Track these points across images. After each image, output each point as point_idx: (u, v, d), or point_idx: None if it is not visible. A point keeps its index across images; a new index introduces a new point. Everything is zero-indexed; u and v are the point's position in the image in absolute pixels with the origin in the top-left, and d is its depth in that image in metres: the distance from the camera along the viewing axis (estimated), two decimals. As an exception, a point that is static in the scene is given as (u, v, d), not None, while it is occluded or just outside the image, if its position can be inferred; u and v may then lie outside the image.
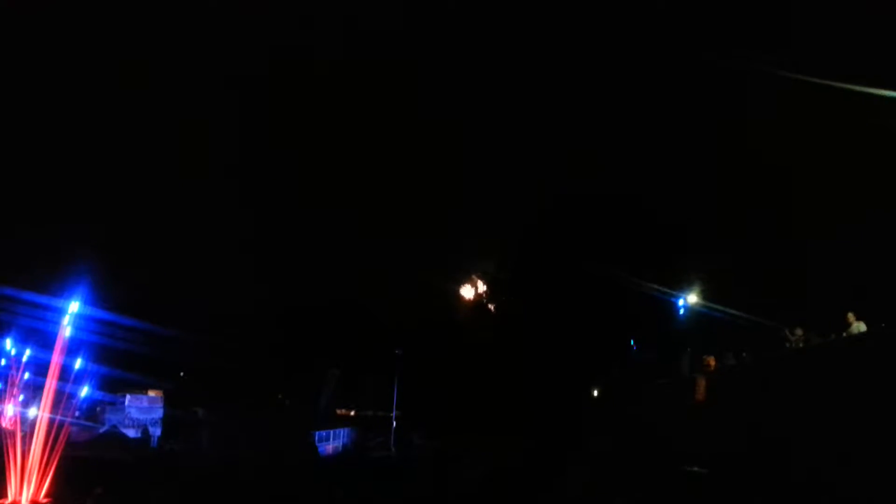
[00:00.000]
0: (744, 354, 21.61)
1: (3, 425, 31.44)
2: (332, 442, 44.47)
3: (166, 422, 43.28)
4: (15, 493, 22.31)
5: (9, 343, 37.90)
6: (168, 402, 44.55)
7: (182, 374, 57.22)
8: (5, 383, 36.56)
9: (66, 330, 24.03)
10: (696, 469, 18.23)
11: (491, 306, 44.78)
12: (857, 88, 19.66)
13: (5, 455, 22.63)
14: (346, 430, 48.16)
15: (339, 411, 57.41)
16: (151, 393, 43.55)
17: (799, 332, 19.28)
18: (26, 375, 36.02)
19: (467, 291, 45.57)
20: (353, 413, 59.32)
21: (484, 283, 46.05)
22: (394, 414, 48.60)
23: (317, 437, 41.67)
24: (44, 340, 30.64)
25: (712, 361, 21.68)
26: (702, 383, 21.98)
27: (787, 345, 18.94)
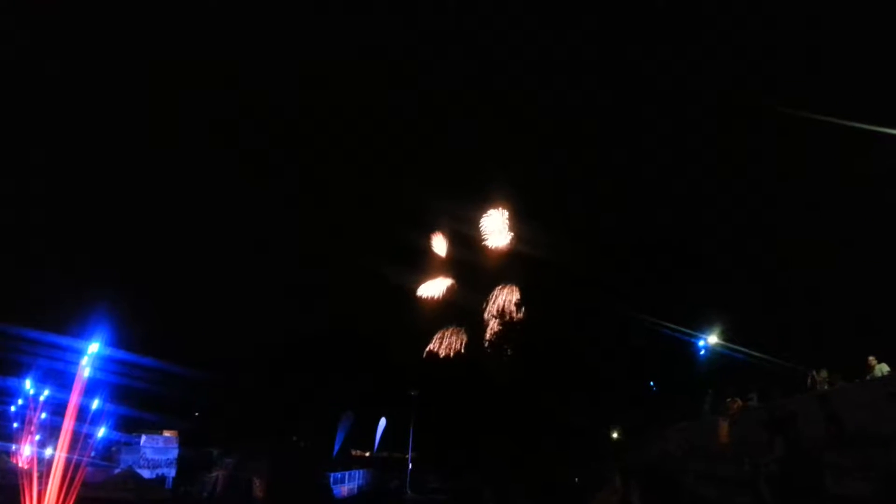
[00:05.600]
0: (772, 396, 21.15)
1: (20, 465, 31.38)
2: (346, 484, 43.85)
3: (181, 462, 42.93)
4: (31, 533, 22.13)
5: (28, 383, 38.05)
6: (183, 442, 44.24)
7: (197, 414, 57.01)
8: (23, 423, 36.63)
9: (84, 370, 24.03)
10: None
11: (507, 347, 44.50)
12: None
13: (21, 495, 22.51)
14: (362, 471, 47.56)
15: (353, 452, 56.84)
16: (166, 433, 43.32)
17: (824, 373, 18.96)
18: (43, 415, 36.05)
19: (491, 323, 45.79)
20: (367, 454, 58.72)
21: (499, 325, 45.88)
22: (409, 455, 47.95)
23: (332, 479, 41.15)
24: (62, 380, 30.75)
25: (739, 403, 21.27)
26: (724, 426, 21.57)
27: (817, 387, 18.60)
